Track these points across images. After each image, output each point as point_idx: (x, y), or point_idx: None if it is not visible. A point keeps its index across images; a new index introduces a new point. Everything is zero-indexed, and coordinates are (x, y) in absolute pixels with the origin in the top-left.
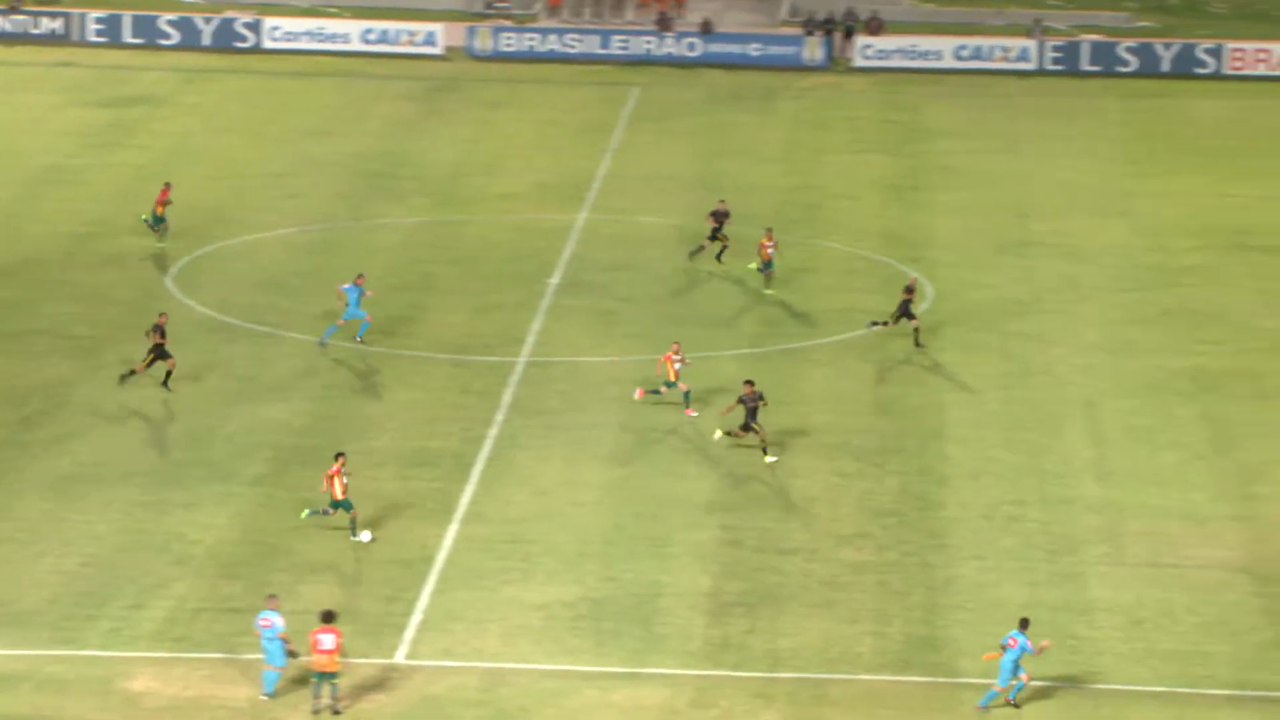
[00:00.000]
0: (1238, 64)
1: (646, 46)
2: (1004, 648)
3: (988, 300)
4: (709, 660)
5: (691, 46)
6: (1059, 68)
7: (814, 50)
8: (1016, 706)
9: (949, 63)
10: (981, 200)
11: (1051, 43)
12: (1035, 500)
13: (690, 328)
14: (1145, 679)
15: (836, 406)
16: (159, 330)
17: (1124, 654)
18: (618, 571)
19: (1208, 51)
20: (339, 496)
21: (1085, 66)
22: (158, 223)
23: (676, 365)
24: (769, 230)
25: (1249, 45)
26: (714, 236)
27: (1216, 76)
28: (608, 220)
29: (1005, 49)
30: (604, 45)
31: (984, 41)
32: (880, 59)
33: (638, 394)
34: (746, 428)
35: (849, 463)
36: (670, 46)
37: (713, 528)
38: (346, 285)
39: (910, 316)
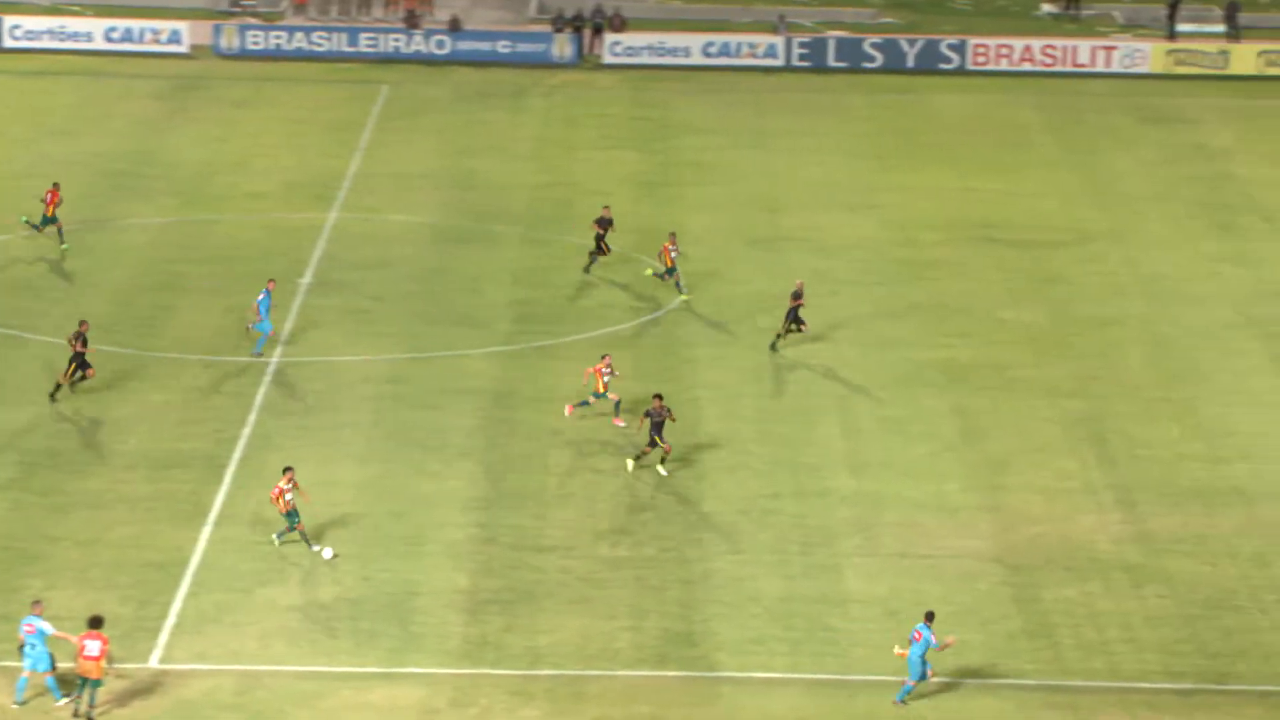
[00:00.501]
0: (981, 59)
1: (395, 44)
2: (911, 641)
3: (739, 295)
4: (467, 658)
5: (440, 44)
6: (806, 64)
7: (563, 47)
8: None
9: (697, 59)
10: (731, 196)
11: (798, 39)
12: (790, 493)
13: (443, 326)
14: (901, 669)
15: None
16: (80, 338)
17: (880, 645)
18: (373, 571)
19: (951, 47)
20: (282, 511)
21: (831, 63)
22: (47, 223)
23: (606, 377)
24: (672, 235)
25: (991, 41)
26: (599, 245)
27: (960, 72)
28: (358, 219)
29: (752, 45)
30: (352, 43)
31: (731, 38)
32: (629, 55)
33: (567, 410)
34: (652, 443)
35: (605, 459)
36: (419, 44)
37: (469, 526)
38: (260, 296)
39: (799, 322)
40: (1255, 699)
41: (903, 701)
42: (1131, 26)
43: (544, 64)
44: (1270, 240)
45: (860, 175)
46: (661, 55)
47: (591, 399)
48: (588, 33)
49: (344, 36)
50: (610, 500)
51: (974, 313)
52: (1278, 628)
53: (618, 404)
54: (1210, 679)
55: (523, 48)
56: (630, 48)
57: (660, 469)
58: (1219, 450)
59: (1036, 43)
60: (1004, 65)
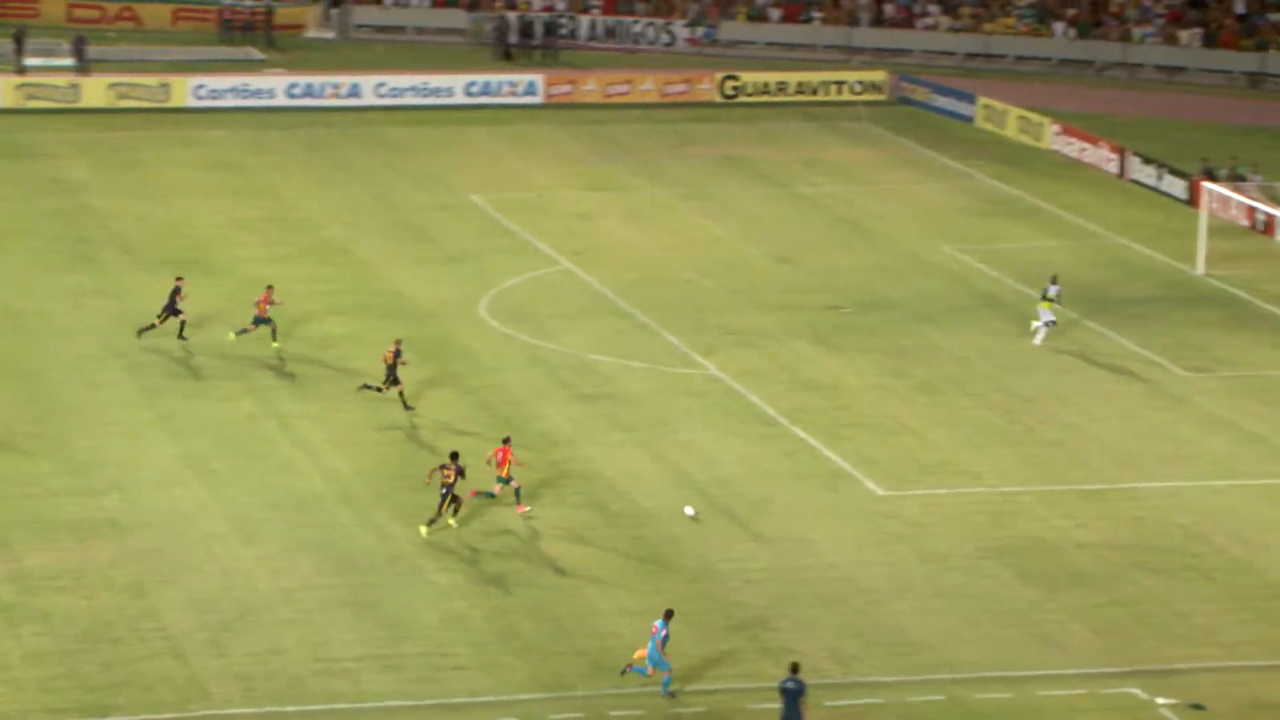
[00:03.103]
0: None
1: None
2: (652, 637)
3: None
4: None
5: None
6: None
7: None
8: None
9: None
10: None
11: None
12: None
13: None
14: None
15: None
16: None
17: None
18: None
19: None
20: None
21: None
22: None
23: (512, 463)
24: (269, 288)
25: None
26: (172, 310)
27: None
28: None
29: None
30: None
31: None
32: None
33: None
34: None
35: None
36: None
37: None
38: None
39: (394, 380)
40: None
41: (669, 694)
42: None
43: None
44: (130, 271)
45: None
46: None
47: (497, 487)
48: None
49: None
50: None
51: None
52: (155, 656)
53: (518, 491)
54: (92, 712)
55: None
56: None
57: (451, 520)
58: (91, 483)
59: None
60: None
